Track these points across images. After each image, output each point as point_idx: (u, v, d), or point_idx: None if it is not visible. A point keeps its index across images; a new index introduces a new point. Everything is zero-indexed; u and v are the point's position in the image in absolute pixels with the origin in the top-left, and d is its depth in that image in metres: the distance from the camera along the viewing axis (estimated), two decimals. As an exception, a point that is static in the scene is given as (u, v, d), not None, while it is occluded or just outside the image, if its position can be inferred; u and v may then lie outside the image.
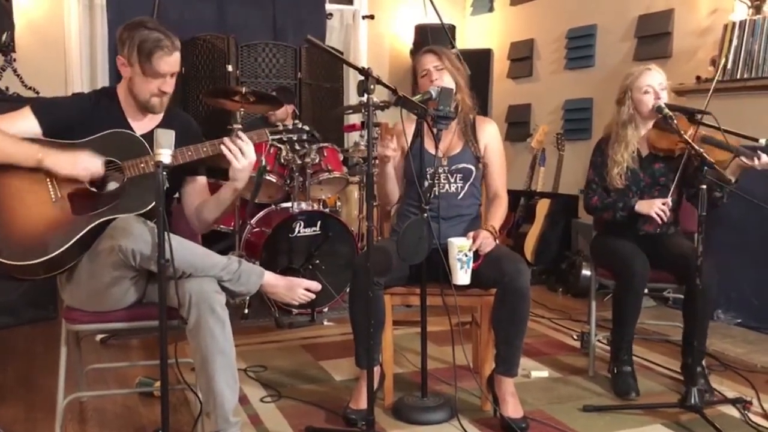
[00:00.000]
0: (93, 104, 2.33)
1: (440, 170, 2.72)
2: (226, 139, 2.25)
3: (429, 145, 2.70)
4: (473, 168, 2.76)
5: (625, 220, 2.96)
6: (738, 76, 4.03)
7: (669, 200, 2.87)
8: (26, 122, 2.21)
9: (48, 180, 2.16)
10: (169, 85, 2.29)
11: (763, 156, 2.74)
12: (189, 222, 2.49)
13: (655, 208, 2.85)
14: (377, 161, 2.69)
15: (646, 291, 3.00)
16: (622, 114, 3.00)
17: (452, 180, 2.75)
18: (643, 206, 2.89)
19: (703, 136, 2.81)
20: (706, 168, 2.53)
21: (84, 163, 2.16)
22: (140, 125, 2.35)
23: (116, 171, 2.23)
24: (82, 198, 2.17)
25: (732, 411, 2.71)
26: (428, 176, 2.66)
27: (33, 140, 2.18)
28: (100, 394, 2.81)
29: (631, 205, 2.92)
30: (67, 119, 2.25)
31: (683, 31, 4.58)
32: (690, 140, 2.64)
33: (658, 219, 2.86)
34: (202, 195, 2.47)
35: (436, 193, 2.67)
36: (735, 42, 4.04)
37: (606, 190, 3.03)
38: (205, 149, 2.26)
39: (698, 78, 4.25)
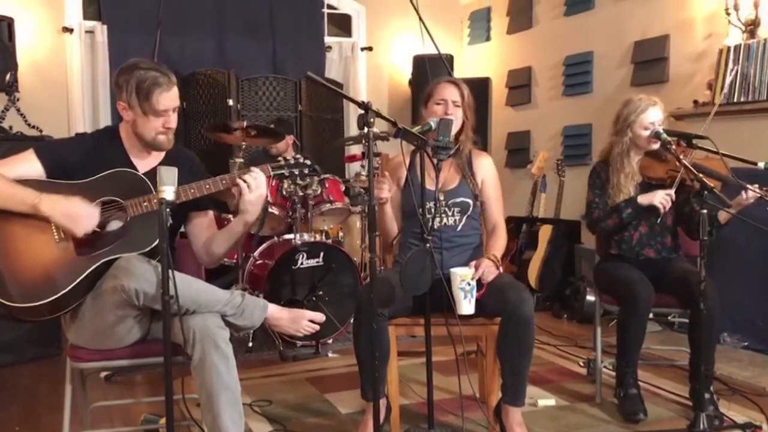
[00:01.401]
0: (95, 144, 2.35)
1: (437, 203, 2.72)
2: (235, 173, 2.27)
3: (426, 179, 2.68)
4: (470, 202, 2.76)
5: (630, 219, 2.95)
6: (735, 100, 4.07)
7: (672, 192, 2.87)
8: (29, 165, 2.23)
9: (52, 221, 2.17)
10: (173, 121, 2.31)
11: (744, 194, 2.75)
12: (197, 257, 2.49)
13: (659, 197, 2.86)
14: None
15: (651, 316, 2.99)
16: (623, 144, 3.02)
17: (450, 213, 2.75)
18: (645, 198, 2.90)
19: (693, 164, 2.83)
20: (706, 193, 2.54)
21: (80, 217, 2.13)
22: (144, 163, 2.38)
23: (119, 210, 2.23)
24: (85, 238, 2.16)
25: (742, 436, 2.69)
26: (428, 209, 2.66)
27: (33, 183, 2.18)
28: (105, 433, 2.79)
29: (633, 199, 2.92)
30: (71, 160, 2.27)
31: (679, 56, 4.63)
32: (690, 167, 2.65)
33: (661, 207, 2.85)
34: (210, 229, 2.48)
35: (436, 225, 2.67)
36: (731, 66, 4.07)
37: None
38: (207, 187, 2.27)
39: (695, 102, 4.29)
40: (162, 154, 2.41)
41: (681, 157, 2.74)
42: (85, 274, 2.12)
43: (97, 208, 2.19)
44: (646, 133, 2.96)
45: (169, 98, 2.27)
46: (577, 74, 5.45)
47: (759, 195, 2.73)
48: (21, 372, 3.64)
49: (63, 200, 2.15)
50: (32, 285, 2.09)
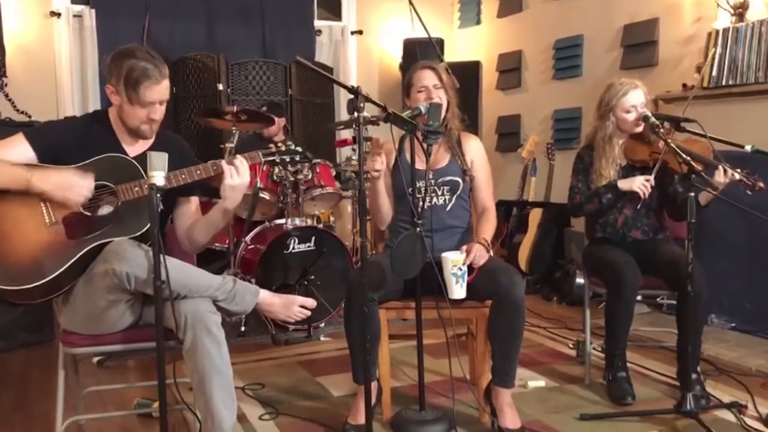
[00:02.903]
0: (85, 128, 2.33)
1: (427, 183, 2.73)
2: (222, 161, 2.27)
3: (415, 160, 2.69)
4: (460, 180, 2.78)
5: (610, 204, 2.98)
6: (723, 83, 4.08)
7: (651, 178, 2.90)
8: (19, 148, 2.22)
9: (42, 204, 2.16)
10: (158, 113, 2.29)
11: (721, 174, 2.77)
12: (180, 243, 2.49)
13: (638, 183, 2.89)
14: (368, 177, 2.71)
15: (639, 298, 3.02)
16: (605, 129, 3.04)
17: (439, 193, 2.77)
18: (625, 183, 2.93)
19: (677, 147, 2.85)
20: (693, 176, 2.56)
21: (74, 185, 2.13)
22: (133, 148, 2.37)
23: (110, 195, 2.23)
24: (76, 222, 2.17)
25: (728, 416, 2.73)
26: (418, 190, 2.67)
27: (23, 167, 2.17)
28: (98, 417, 2.80)
29: (613, 184, 2.95)
30: (61, 144, 2.26)
31: (669, 40, 4.63)
32: (678, 150, 2.67)
33: (641, 193, 2.89)
34: (194, 216, 2.48)
35: (427, 206, 2.68)
36: (719, 49, 4.09)
37: None
38: (198, 172, 2.27)
39: (684, 85, 4.30)
40: (151, 140, 2.40)
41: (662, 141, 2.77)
42: (75, 258, 2.12)
43: (91, 176, 2.17)
44: (628, 116, 2.98)
45: (157, 92, 2.24)
46: (567, 58, 5.45)
47: (730, 173, 2.75)
48: (13, 358, 3.64)
49: (55, 172, 2.15)
50: (23, 268, 2.09)
